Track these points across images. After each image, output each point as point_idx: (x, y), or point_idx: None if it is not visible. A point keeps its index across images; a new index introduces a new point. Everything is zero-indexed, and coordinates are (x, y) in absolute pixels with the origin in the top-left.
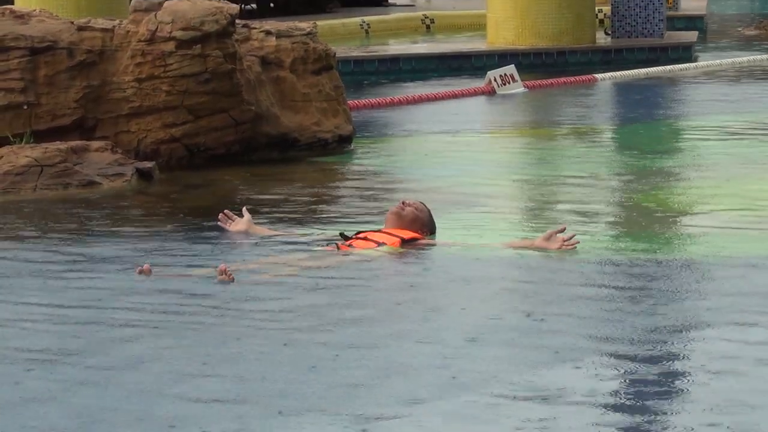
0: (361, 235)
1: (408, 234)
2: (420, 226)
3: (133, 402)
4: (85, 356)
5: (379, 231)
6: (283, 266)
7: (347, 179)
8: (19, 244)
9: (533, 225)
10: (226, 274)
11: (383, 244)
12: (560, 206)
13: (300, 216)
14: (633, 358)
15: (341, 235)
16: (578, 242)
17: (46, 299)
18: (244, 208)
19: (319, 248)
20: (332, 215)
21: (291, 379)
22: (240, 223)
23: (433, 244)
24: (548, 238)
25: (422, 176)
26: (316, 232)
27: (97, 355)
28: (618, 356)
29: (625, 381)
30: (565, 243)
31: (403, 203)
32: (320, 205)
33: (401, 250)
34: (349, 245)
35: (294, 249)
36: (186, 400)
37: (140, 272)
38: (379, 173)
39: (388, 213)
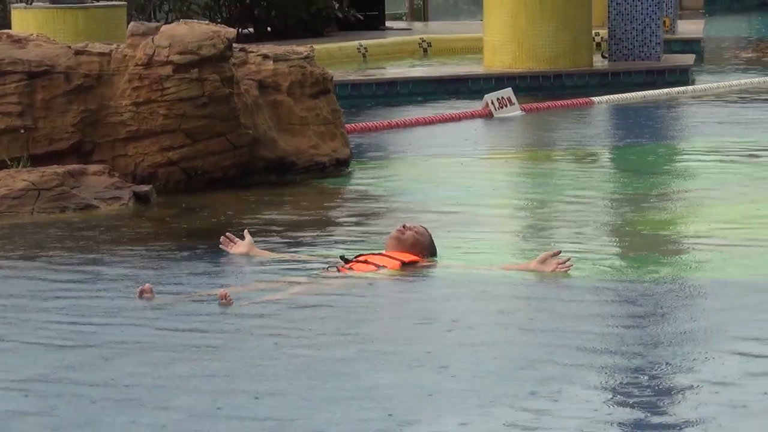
0: (361, 258)
1: (408, 257)
2: (420, 250)
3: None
4: (80, 375)
5: (379, 254)
6: (281, 289)
7: (345, 202)
8: (16, 268)
9: (529, 247)
10: (225, 299)
11: (383, 267)
12: (556, 228)
13: (299, 239)
14: (627, 379)
15: (342, 258)
16: (571, 265)
17: (44, 319)
18: (245, 231)
19: (319, 271)
20: (331, 238)
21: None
22: (241, 246)
23: (433, 267)
24: (543, 261)
25: (419, 199)
26: (316, 255)
27: (93, 373)
28: (612, 376)
29: (618, 401)
30: (560, 265)
31: (404, 227)
32: (319, 228)
33: (401, 272)
34: (350, 268)
35: (294, 272)
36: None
37: (141, 293)
38: (377, 196)
39: (389, 237)
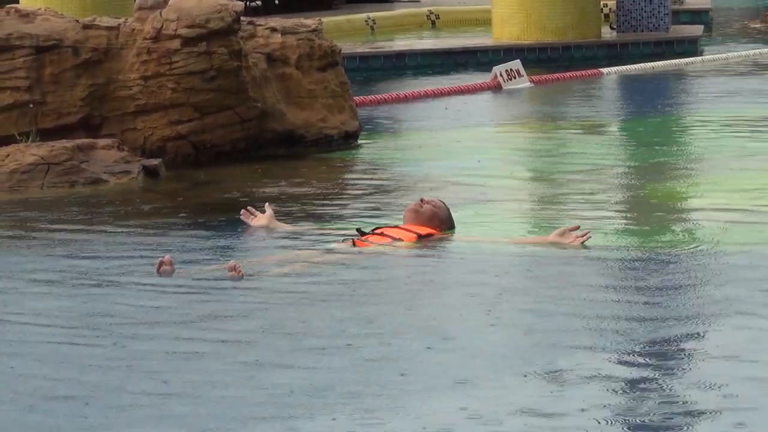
0: (377, 231)
1: (425, 230)
2: (438, 223)
3: (151, 399)
4: (97, 350)
5: (396, 227)
6: (295, 261)
7: (355, 175)
8: (27, 242)
9: (541, 218)
10: (235, 270)
11: (400, 239)
12: (567, 199)
13: (310, 212)
14: (642, 348)
15: (358, 230)
16: (590, 237)
17: (57, 295)
18: (266, 204)
19: (335, 244)
20: (343, 211)
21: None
22: (262, 219)
23: (449, 240)
24: (561, 234)
25: (429, 171)
26: (333, 228)
27: (110, 348)
28: (627, 345)
29: (634, 371)
30: (578, 237)
31: (421, 200)
32: (330, 202)
33: (416, 245)
34: (365, 240)
35: (311, 244)
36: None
37: (161, 264)
38: (387, 169)
39: (406, 210)
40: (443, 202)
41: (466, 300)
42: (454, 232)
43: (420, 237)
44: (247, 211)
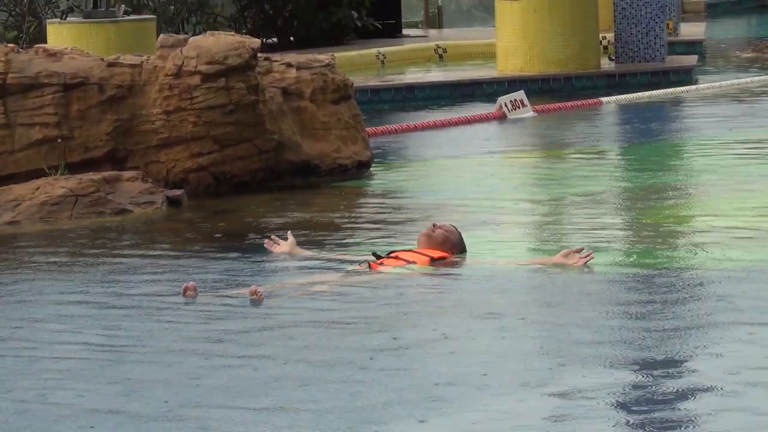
0: (392, 255)
1: (437, 254)
2: (450, 247)
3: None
4: (122, 374)
5: (410, 251)
6: (313, 285)
7: (369, 203)
8: (58, 270)
9: (547, 241)
10: (256, 294)
11: (413, 262)
12: (571, 222)
13: (327, 239)
14: (647, 365)
15: (374, 254)
16: (593, 257)
17: (87, 318)
18: (288, 232)
19: (351, 267)
20: (359, 237)
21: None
22: (284, 246)
23: (460, 263)
24: (566, 256)
25: (440, 198)
26: (351, 253)
27: (135, 372)
28: (631, 365)
29: (639, 389)
30: (581, 258)
31: (434, 225)
32: (345, 228)
33: (429, 268)
34: (381, 263)
35: (328, 268)
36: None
37: (185, 290)
38: (398, 196)
39: (420, 234)
40: (455, 227)
41: (478, 318)
42: (465, 256)
43: (433, 260)
44: (270, 239)
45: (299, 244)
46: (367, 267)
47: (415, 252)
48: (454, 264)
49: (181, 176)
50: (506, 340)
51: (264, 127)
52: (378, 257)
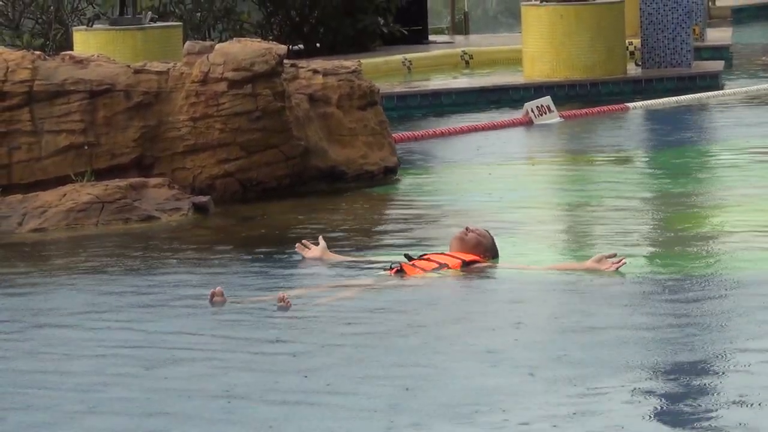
0: (424, 257)
1: (469, 257)
2: (482, 251)
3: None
4: (151, 383)
5: (442, 254)
6: (342, 290)
7: (396, 208)
8: (87, 277)
9: (576, 247)
10: (284, 301)
11: (445, 264)
12: (599, 228)
13: (356, 244)
14: (674, 372)
15: (406, 256)
16: (625, 263)
17: (116, 323)
18: (320, 237)
19: (383, 272)
20: (386, 242)
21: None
22: (315, 251)
23: (492, 267)
24: (598, 261)
25: (467, 203)
26: (382, 257)
27: (162, 381)
28: (663, 372)
29: (669, 397)
30: (613, 264)
31: (467, 229)
32: (374, 234)
33: (460, 272)
34: (413, 265)
35: (360, 273)
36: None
37: (212, 296)
38: (426, 202)
39: (453, 238)
40: (488, 231)
41: (510, 324)
42: (497, 261)
43: (465, 263)
44: (302, 244)
45: (329, 248)
46: (399, 268)
47: (447, 255)
48: (485, 268)
49: (207, 183)
50: (537, 345)
51: (290, 134)
52: (410, 259)
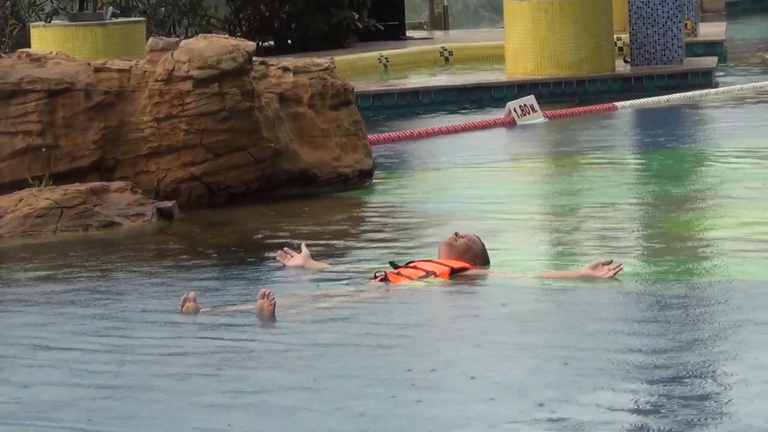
0: (411, 264)
1: (458, 264)
2: (472, 257)
3: None
4: (109, 402)
5: (429, 261)
6: (324, 300)
7: (373, 214)
8: (42, 287)
9: (564, 253)
10: (267, 298)
11: (432, 272)
12: (586, 235)
13: (330, 252)
14: (672, 383)
15: (391, 263)
16: (622, 269)
17: (74, 340)
18: (302, 244)
19: (367, 280)
20: (364, 250)
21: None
22: (297, 258)
23: (483, 275)
24: (594, 268)
25: (448, 208)
26: (367, 266)
27: (124, 398)
28: (656, 382)
29: (663, 408)
30: (610, 270)
31: (456, 234)
32: (353, 240)
33: (448, 280)
34: (398, 273)
35: (344, 281)
36: None
37: (184, 302)
38: (404, 207)
39: (441, 243)
40: (478, 237)
41: (501, 335)
42: (488, 268)
43: (453, 271)
44: (283, 251)
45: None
46: (384, 277)
47: (435, 262)
48: (475, 276)
49: (172, 187)
50: (530, 358)
51: (260, 135)
52: (396, 267)
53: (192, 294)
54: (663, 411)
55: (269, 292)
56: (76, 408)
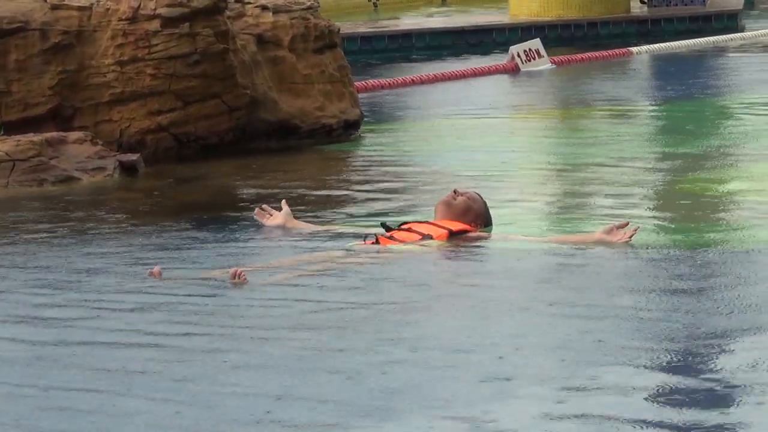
0: (404, 227)
1: (458, 226)
2: (473, 218)
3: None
4: (73, 373)
5: (425, 222)
6: (308, 265)
7: (361, 169)
8: None
9: (570, 216)
10: (238, 277)
11: (429, 236)
12: (595, 194)
13: (315, 212)
14: (692, 354)
15: (383, 225)
16: (638, 230)
17: (24, 312)
18: (283, 201)
19: (355, 243)
20: (355, 209)
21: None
22: (277, 217)
23: (484, 238)
24: (608, 232)
25: (441, 165)
26: (355, 226)
27: (89, 370)
28: (678, 352)
29: (683, 379)
30: (626, 233)
31: (455, 191)
32: (336, 200)
33: (446, 244)
34: (391, 236)
35: (329, 245)
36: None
37: (150, 275)
38: (394, 162)
39: (438, 203)
40: (479, 195)
41: (502, 306)
42: (490, 230)
43: (452, 233)
44: (261, 209)
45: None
46: (375, 241)
47: (432, 224)
48: (476, 239)
49: (137, 138)
50: (534, 331)
51: (235, 81)
52: (388, 229)
53: (157, 268)
54: (686, 398)
55: (240, 272)
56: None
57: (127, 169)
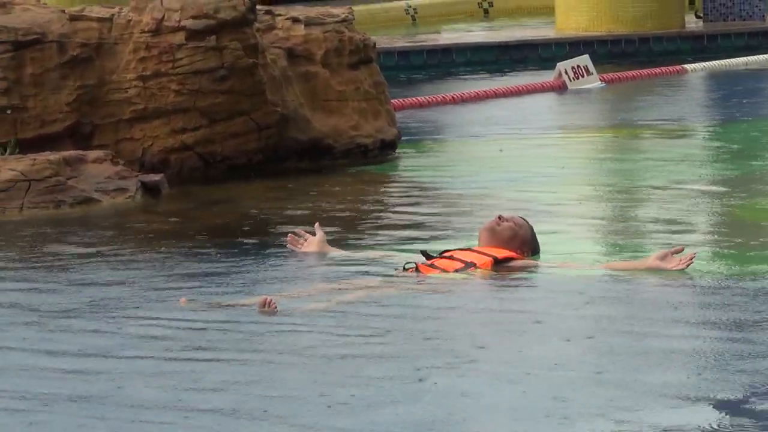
0: (446, 254)
1: (503, 253)
2: (519, 245)
3: None
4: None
5: (468, 249)
6: (343, 294)
7: (398, 192)
8: (3, 276)
9: (620, 241)
10: (268, 305)
11: (472, 264)
12: (646, 220)
13: (353, 237)
14: (751, 392)
15: (423, 253)
16: (694, 259)
17: (36, 346)
18: (316, 225)
19: (395, 271)
20: (393, 235)
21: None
22: (312, 244)
23: (531, 266)
24: (662, 258)
25: (483, 188)
26: (394, 253)
27: (105, 410)
28: (733, 389)
29: (737, 418)
30: (682, 261)
31: (499, 217)
32: (375, 224)
33: (491, 273)
34: (431, 265)
35: (367, 272)
36: None
37: (180, 303)
38: (434, 185)
39: (482, 229)
40: (526, 220)
41: (551, 340)
42: (538, 258)
43: (497, 261)
44: (294, 234)
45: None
46: (415, 269)
47: (475, 251)
48: (523, 268)
49: (160, 157)
50: (583, 365)
51: (264, 98)
52: (429, 257)
53: (183, 300)
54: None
55: (270, 301)
56: None
57: (150, 190)
